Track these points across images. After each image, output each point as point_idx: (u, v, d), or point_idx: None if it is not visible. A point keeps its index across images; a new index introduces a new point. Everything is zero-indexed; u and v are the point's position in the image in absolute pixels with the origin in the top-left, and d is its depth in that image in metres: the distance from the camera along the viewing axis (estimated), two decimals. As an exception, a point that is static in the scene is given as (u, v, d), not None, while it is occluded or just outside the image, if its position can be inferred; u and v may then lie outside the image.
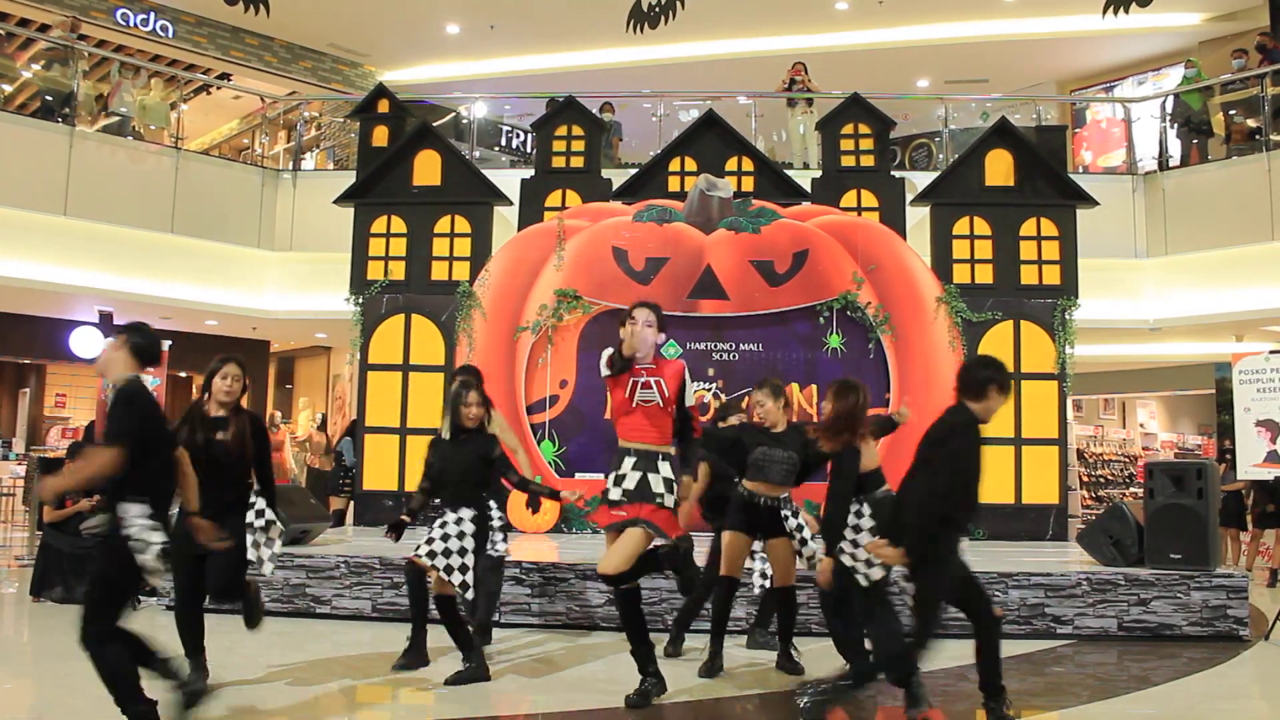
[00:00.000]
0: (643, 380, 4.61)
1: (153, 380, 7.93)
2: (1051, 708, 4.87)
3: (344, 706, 5.03)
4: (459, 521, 5.16)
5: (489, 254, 10.18)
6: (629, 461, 4.60)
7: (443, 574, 5.07)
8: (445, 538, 5.12)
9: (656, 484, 4.56)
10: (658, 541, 4.58)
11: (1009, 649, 6.16)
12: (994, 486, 9.53)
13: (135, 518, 3.94)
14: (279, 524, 5.06)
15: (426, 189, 10.36)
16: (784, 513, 5.25)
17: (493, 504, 5.52)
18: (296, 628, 6.56)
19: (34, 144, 10.58)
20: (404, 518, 5.33)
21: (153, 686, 4.05)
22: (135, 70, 12.35)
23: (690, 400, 4.72)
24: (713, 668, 5.33)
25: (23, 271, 10.68)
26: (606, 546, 4.65)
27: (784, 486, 5.23)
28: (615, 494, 4.61)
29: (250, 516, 4.94)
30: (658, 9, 8.50)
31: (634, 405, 4.61)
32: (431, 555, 5.10)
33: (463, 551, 5.10)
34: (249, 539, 4.92)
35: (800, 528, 5.28)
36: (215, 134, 17.40)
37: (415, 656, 5.46)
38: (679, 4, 8.58)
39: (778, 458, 5.16)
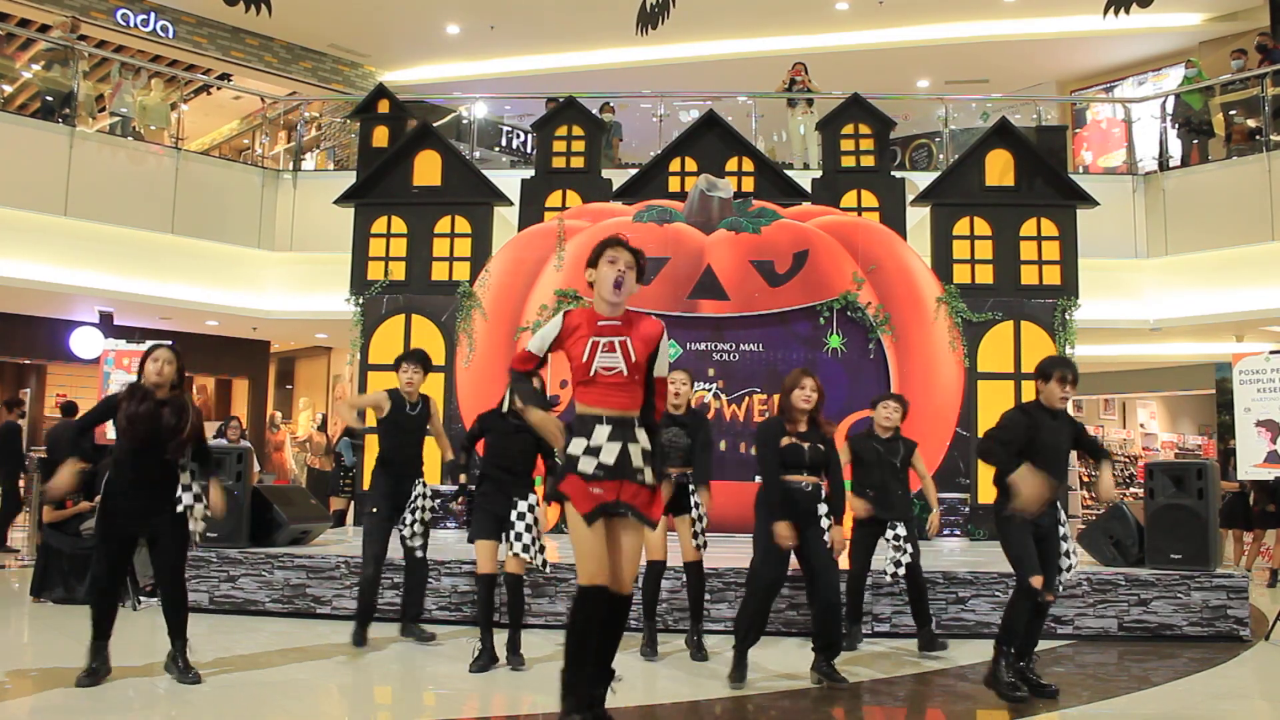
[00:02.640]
0: (605, 341, 3.65)
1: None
2: (1052, 708, 4.87)
3: (344, 706, 5.03)
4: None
5: (489, 254, 10.18)
6: (602, 430, 3.64)
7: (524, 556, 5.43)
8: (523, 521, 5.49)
9: (636, 457, 3.66)
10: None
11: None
12: (994, 486, 9.52)
13: None
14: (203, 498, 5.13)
15: (427, 189, 10.36)
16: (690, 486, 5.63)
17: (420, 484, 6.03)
18: (296, 628, 6.55)
19: (34, 144, 10.59)
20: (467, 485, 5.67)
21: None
22: (135, 70, 12.37)
23: (663, 370, 3.82)
24: (651, 650, 5.72)
25: (23, 272, 10.70)
26: (575, 537, 3.67)
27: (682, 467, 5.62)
28: (588, 466, 3.62)
29: (185, 497, 5.01)
30: (657, 7, 8.52)
31: (591, 374, 3.66)
32: (525, 549, 5.43)
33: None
34: (190, 516, 5.02)
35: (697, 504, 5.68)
36: (215, 134, 17.40)
37: (489, 659, 5.44)
38: (671, 2, 8.64)
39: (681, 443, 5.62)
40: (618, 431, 3.65)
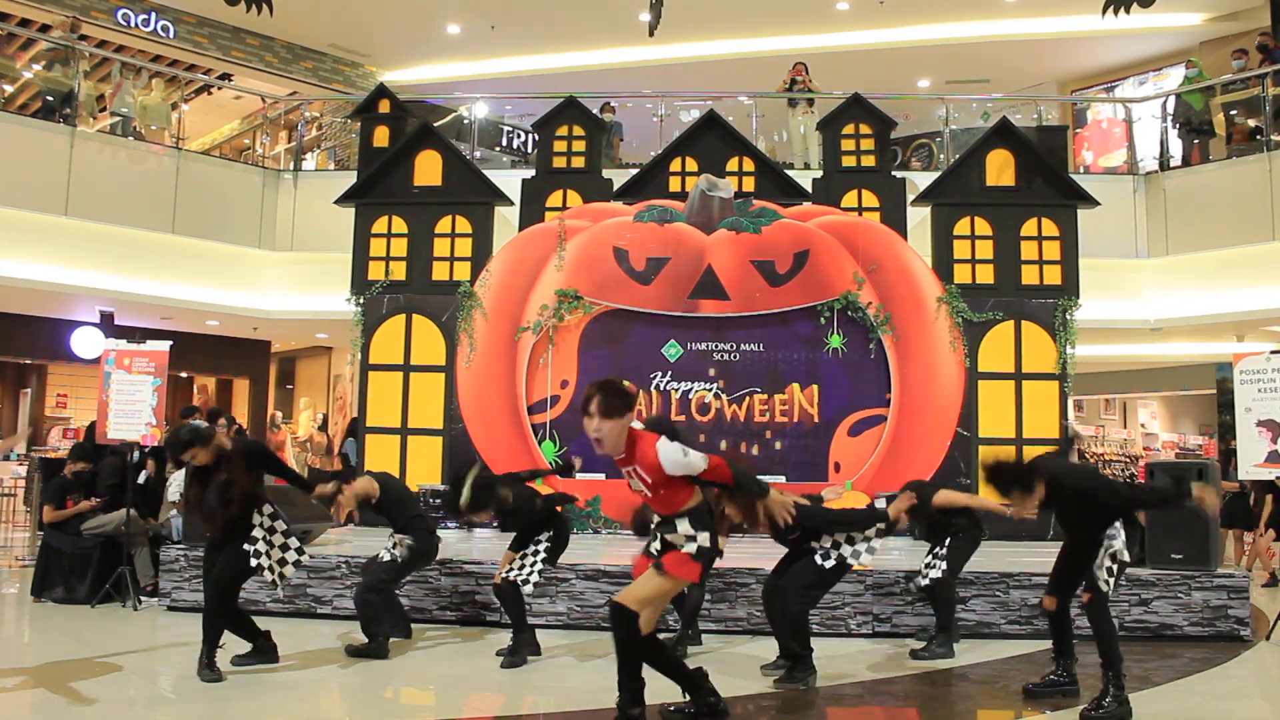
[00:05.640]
0: (626, 470, 4.20)
1: (153, 380, 7.92)
2: (1042, 708, 4.87)
3: (344, 706, 5.03)
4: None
5: (490, 254, 10.19)
6: (653, 529, 4.43)
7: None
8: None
9: (675, 539, 4.24)
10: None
11: (1010, 649, 6.17)
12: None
13: None
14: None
15: (427, 189, 10.36)
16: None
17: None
18: (297, 628, 6.55)
19: (35, 144, 10.59)
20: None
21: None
22: (136, 70, 12.36)
23: (678, 470, 4.09)
24: None
25: (24, 272, 10.69)
26: (663, 590, 4.33)
27: None
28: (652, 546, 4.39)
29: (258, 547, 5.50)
30: (657, 5, 8.54)
31: (633, 490, 4.30)
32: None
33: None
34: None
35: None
36: (216, 134, 17.41)
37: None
38: (662, 2, 8.69)
39: None
40: (660, 525, 4.30)
